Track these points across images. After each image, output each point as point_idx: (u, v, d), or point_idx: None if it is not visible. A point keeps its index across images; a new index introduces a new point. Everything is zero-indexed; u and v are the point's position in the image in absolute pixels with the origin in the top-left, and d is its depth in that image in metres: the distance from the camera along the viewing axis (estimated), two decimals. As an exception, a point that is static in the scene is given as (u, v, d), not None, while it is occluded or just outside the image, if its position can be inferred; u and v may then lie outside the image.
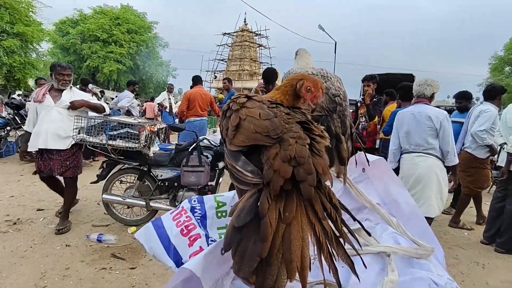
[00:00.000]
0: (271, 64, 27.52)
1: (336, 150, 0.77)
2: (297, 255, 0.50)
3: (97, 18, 24.40)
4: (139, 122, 3.21)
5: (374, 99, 3.98)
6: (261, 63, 27.02)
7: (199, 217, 0.85)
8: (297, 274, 0.49)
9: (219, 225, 0.87)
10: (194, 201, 0.89)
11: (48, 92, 3.12)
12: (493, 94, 3.59)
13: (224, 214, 0.88)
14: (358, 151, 0.87)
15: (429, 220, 2.79)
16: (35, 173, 3.32)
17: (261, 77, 4.34)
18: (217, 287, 0.63)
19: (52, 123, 3.05)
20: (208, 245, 0.76)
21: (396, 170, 2.90)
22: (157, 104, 7.77)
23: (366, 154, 0.85)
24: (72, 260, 2.65)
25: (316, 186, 0.54)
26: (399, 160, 2.91)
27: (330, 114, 0.79)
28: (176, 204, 3.24)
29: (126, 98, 5.89)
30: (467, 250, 3.20)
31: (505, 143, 3.22)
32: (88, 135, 3.05)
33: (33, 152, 3.20)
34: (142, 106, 10.19)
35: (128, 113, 5.91)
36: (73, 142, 3.10)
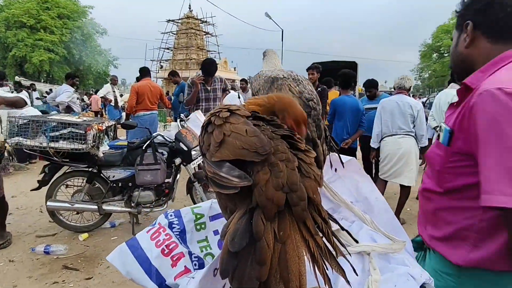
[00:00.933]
0: (218, 53, 27.06)
1: (313, 154, 0.78)
2: (295, 274, 0.50)
3: (23, 2, 21.59)
4: (84, 120, 2.95)
5: (319, 89, 4.16)
6: (208, 51, 26.40)
7: (178, 233, 0.81)
8: None
9: (198, 238, 0.84)
10: (171, 215, 0.84)
11: None
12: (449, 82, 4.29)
13: (203, 226, 0.85)
14: (331, 152, 0.90)
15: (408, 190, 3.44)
16: None
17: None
18: None
19: None
20: (192, 262, 0.73)
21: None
22: (101, 97, 7.20)
23: (340, 155, 0.88)
24: (19, 276, 2.40)
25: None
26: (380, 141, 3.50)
27: (305, 119, 0.80)
28: (132, 205, 3.08)
29: (66, 93, 5.33)
30: (411, 224, 3.55)
31: (439, 126, 3.62)
32: (24, 137, 2.72)
33: None
34: (82, 99, 9.40)
35: (68, 109, 5.39)
36: None
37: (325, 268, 0.53)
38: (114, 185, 3.09)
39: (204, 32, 26.28)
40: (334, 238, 0.56)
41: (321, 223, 0.55)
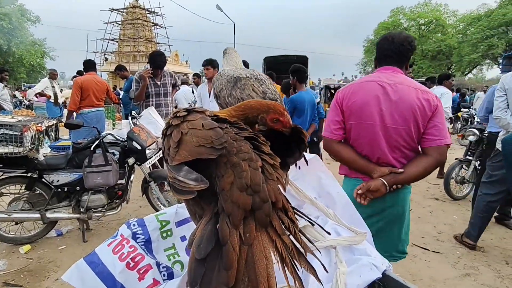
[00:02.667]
0: (169, 45, 26.05)
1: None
2: (263, 276, 0.49)
3: None
4: (19, 120, 2.65)
5: None
6: (157, 43, 25.27)
7: (143, 243, 0.76)
8: None
9: (165, 246, 0.79)
10: (134, 225, 0.78)
11: None
12: (440, 79, 4.79)
13: (169, 233, 0.81)
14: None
15: None
16: None
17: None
18: None
19: None
20: (160, 273, 0.69)
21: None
22: (37, 94, 6.51)
23: (304, 154, 0.90)
24: None
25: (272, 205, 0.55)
26: None
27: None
28: (81, 210, 2.86)
29: (-7, 89, 4.74)
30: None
31: None
32: None
33: None
34: (14, 95, 8.44)
35: (-3, 107, 4.80)
36: None
37: (295, 267, 0.54)
38: (59, 190, 2.84)
39: (152, 23, 25.07)
40: (302, 236, 0.57)
41: (288, 222, 0.55)
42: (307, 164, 0.86)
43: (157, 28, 25.27)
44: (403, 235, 1.54)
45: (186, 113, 0.62)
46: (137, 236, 0.77)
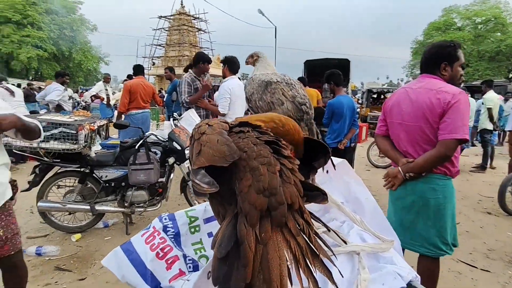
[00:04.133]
0: (211, 49, 26.89)
1: (305, 157, 0.80)
2: (276, 275, 0.52)
3: (8, -3, 21.11)
4: (75, 120, 2.92)
5: None
6: (201, 48, 26.20)
7: (172, 236, 0.82)
8: None
9: (193, 240, 0.85)
10: (165, 219, 0.85)
11: None
12: None
13: (197, 229, 0.86)
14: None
15: None
16: None
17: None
18: None
19: None
20: (186, 265, 0.75)
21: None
22: (92, 96, 7.11)
23: (332, 158, 0.90)
24: (9, 280, 2.37)
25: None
26: None
27: (298, 123, 0.81)
28: (125, 204, 3.07)
29: (56, 91, 5.26)
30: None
31: None
32: (13, 138, 2.68)
33: None
34: (72, 98, 9.26)
35: (59, 108, 5.32)
36: (9, 192, 1.63)
37: (310, 268, 0.55)
38: (107, 185, 3.08)
39: (197, 28, 26.06)
40: (317, 239, 0.58)
41: (303, 224, 0.57)
42: (334, 168, 0.86)
43: (201, 33, 26.22)
44: (431, 227, 1.65)
45: (206, 127, 0.69)
46: (168, 229, 0.83)
